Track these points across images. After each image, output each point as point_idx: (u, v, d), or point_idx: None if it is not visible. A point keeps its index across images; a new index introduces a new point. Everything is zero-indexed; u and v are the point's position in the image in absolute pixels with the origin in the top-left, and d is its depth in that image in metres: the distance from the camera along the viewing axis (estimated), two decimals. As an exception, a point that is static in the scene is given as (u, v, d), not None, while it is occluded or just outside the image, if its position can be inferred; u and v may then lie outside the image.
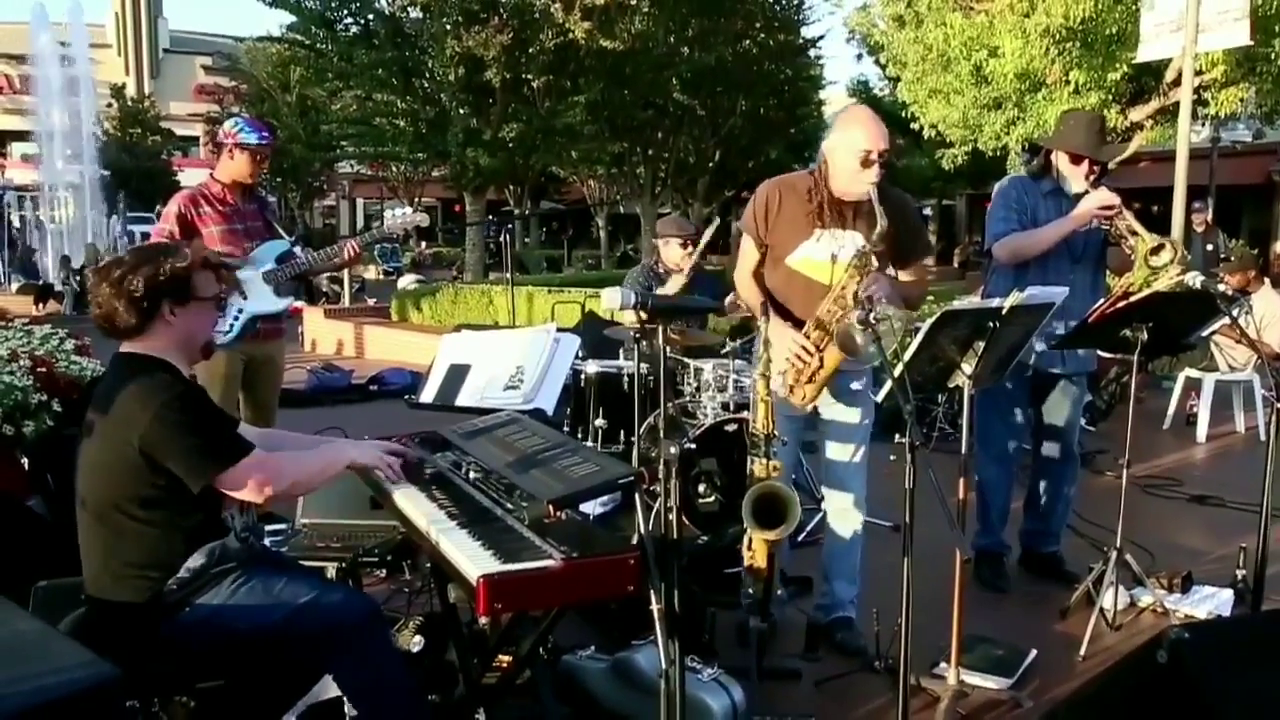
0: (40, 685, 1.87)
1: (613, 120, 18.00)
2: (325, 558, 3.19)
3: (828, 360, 3.25)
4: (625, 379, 5.13)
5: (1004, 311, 2.99)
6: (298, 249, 4.86)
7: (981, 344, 3.03)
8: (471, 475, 2.70)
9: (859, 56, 33.81)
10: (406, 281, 15.04)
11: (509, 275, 5.15)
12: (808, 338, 3.30)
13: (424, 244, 33.29)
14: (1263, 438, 7.04)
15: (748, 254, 3.56)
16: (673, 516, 2.28)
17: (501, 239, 5.01)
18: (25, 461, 4.98)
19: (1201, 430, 7.11)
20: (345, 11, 15.19)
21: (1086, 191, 3.91)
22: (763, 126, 24.52)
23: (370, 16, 15.14)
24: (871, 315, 2.91)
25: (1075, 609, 3.94)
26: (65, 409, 5.39)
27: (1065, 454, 4.26)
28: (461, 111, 15.03)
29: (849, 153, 3.22)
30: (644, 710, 2.95)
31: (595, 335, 7.17)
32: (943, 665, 3.33)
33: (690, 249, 5.51)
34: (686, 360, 5.11)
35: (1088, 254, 4.05)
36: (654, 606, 2.23)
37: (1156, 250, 3.64)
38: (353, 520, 3.47)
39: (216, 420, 2.37)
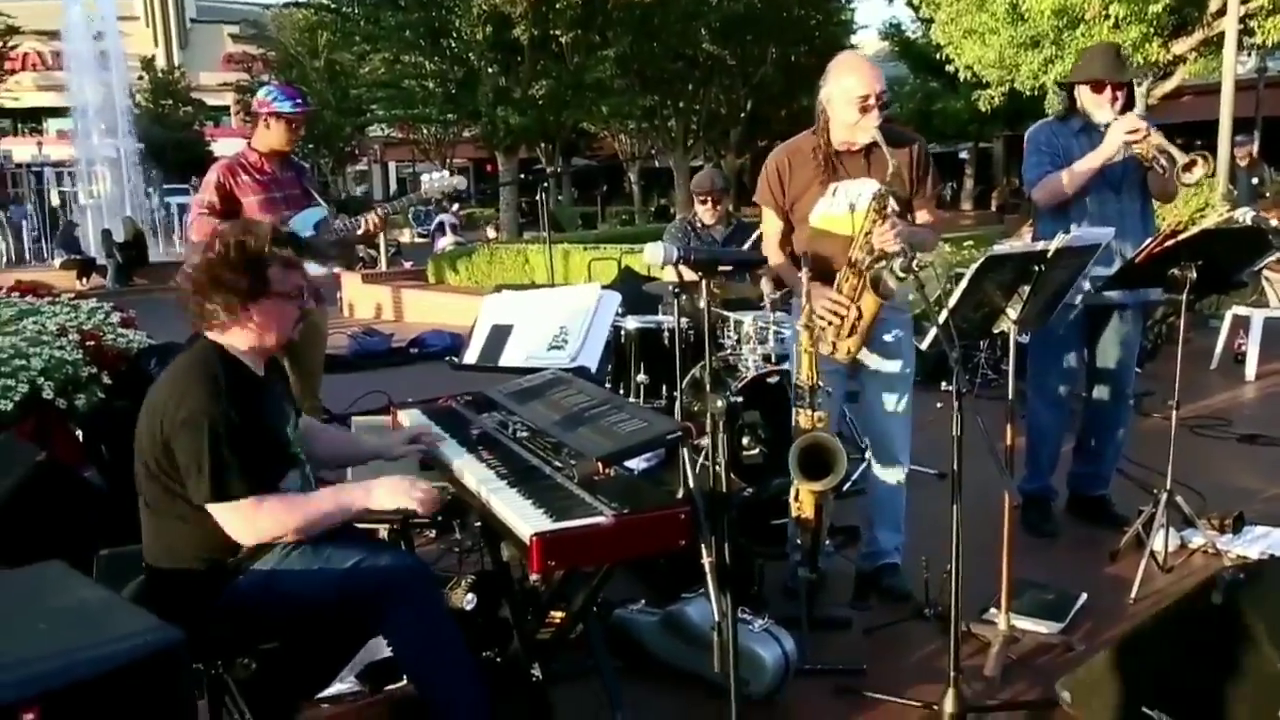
0: (110, 650, 1.91)
1: (642, 73, 17.80)
2: (377, 520, 3.23)
3: (866, 309, 3.24)
4: (666, 334, 5.14)
5: (1049, 255, 2.94)
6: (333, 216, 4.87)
7: (1027, 288, 2.98)
8: (519, 434, 2.73)
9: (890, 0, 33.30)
10: (444, 243, 15.05)
11: (545, 234, 5.12)
12: (839, 290, 3.28)
13: (456, 205, 33.31)
14: (1315, 374, 6.94)
15: (771, 225, 3.56)
16: (721, 470, 2.29)
17: (537, 197, 5.00)
18: (79, 434, 5.09)
19: (1251, 368, 6.99)
20: (368, -27, 15.12)
21: (1115, 120, 3.84)
22: (794, 74, 24.12)
23: (393, -22, 15.07)
24: (914, 262, 2.90)
25: (1125, 552, 3.91)
26: (115, 381, 5.50)
27: (1117, 397, 4.21)
28: (490, 70, 14.91)
29: (846, 101, 3.19)
30: (696, 661, 2.99)
31: (633, 291, 7.15)
32: (992, 611, 3.33)
33: (711, 204, 5.49)
34: (726, 313, 5.10)
35: (1128, 181, 3.96)
36: (705, 560, 2.23)
37: (1189, 167, 3.55)
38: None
39: (233, 449, 2.31)
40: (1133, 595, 3.55)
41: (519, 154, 16.41)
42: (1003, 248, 2.97)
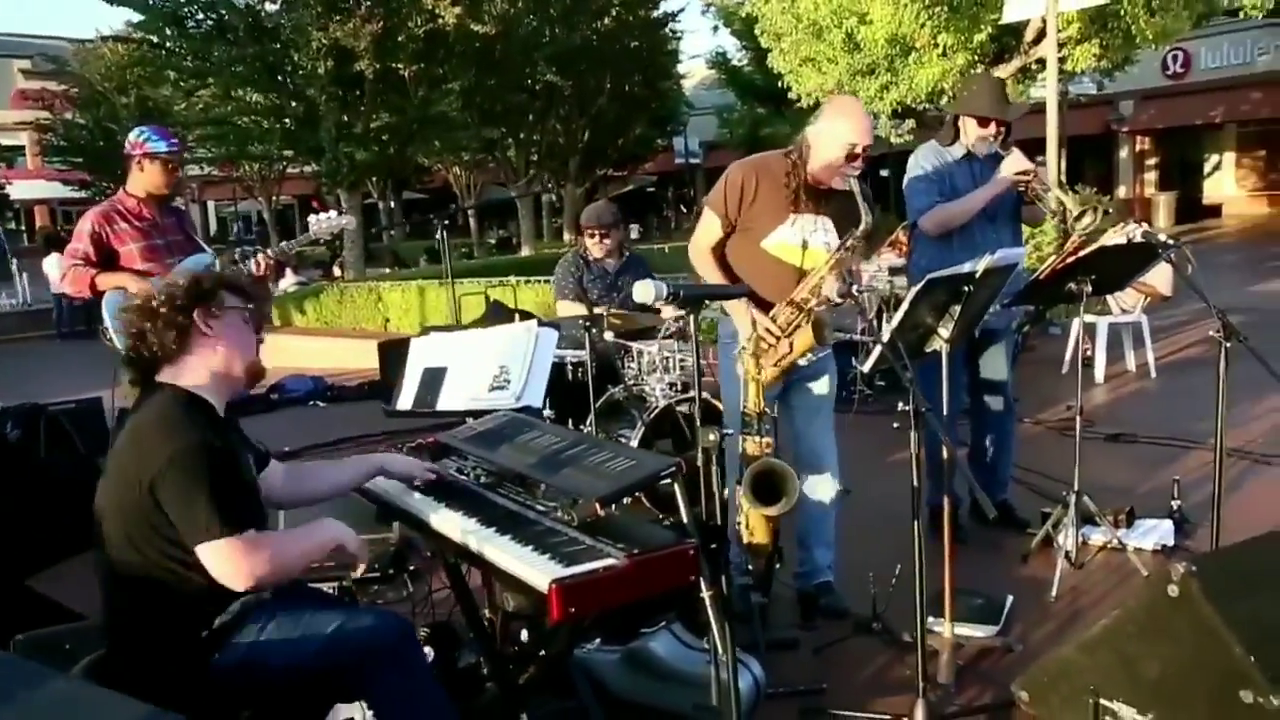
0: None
1: (484, 106, 17.73)
2: (324, 578, 3.09)
3: (798, 345, 3.31)
4: (569, 368, 5.10)
5: (977, 275, 3.09)
6: (218, 263, 4.65)
7: (957, 308, 3.12)
8: (482, 479, 2.67)
9: (715, 29, 34.25)
10: (285, 284, 14.50)
11: (445, 270, 5.03)
12: (775, 320, 3.35)
13: (285, 243, 32.19)
14: (1152, 375, 7.51)
15: (709, 230, 3.58)
16: (716, 503, 2.30)
17: (439, 235, 4.88)
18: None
19: (1099, 371, 7.50)
20: (194, 6, 14.43)
21: (996, 153, 4.08)
22: (628, 103, 24.58)
23: (223, 12, 14.43)
24: (854, 289, 3.00)
25: (1035, 553, 4.13)
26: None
27: (1005, 405, 4.45)
28: (330, 105, 14.52)
29: (835, 143, 3.29)
30: (662, 695, 2.98)
31: (500, 321, 7.12)
32: (932, 620, 3.44)
33: (600, 238, 5.51)
34: (628, 344, 5.12)
35: (1002, 213, 4.21)
36: (705, 593, 2.23)
37: (1080, 217, 3.82)
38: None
39: (226, 484, 2.20)
40: (1053, 593, 3.75)
41: (360, 190, 16.02)
42: (940, 272, 3.09)
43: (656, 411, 4.66)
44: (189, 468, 2.15)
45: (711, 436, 2.29)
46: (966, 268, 3.11)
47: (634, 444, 4.55)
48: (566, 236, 27.63)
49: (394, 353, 9.36)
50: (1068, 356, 7.88)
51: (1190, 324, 9.41)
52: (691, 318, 2.31)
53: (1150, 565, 3.92)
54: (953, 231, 4.07)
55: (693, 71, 33.86)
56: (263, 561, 2.19)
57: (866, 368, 3.11)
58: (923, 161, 4.15)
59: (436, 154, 19.99)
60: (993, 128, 4.02)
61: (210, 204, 40.35)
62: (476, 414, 3.14)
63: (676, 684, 2.98)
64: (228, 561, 2.15)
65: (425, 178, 34.33)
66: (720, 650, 2.27)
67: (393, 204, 30.66)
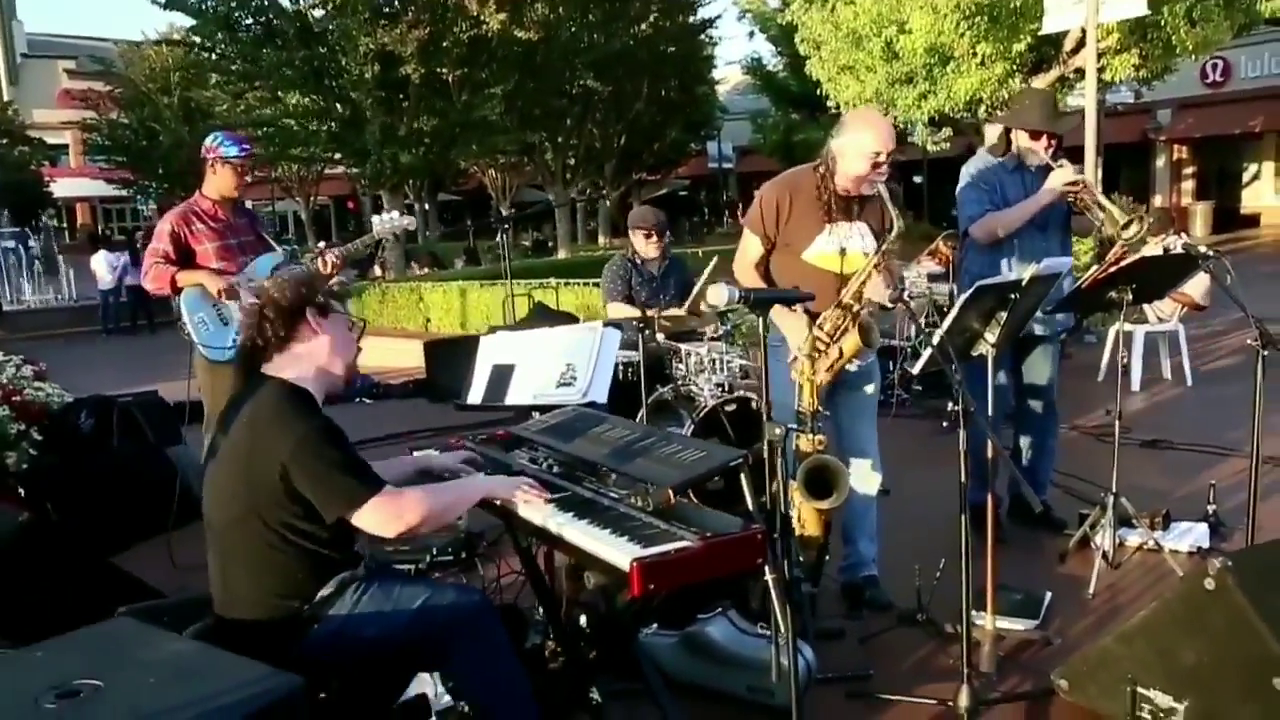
0: (239, 698, 1.94)
1: (524, 110, 17.98)
2: (399, 561, 3.28)
3: (846, 348, 3.46)
4: (620, 368, 5.27)
5: (1024, 283, 3.24)
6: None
7: (1004, 314, 3.27)
8: (554, 469, 2.84)
9: (751, 34, 34.39)
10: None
11: (505, 274, 5.23)
12: (822, 327, 3.51)
13: (322, 244, 32.61)
14: (1188, 383, 7.59)
15: (751, 249, 3.76)
16: (781, 491, 2.47)
17: (499, 239, 5.06)
18: (20, 491, 4.92)
19: (1136, 379, 7.59)
20: (245, 11, 14.78)
21: (1047, 165, 4.22)
22: (664, 108, 24.79)
23: (272, 16, 14.76)
24: (905, 295, 3.16)
25: (1072, 552, 4.26)
26: (44, 437, 5.32)
27: (1047, 409, 4.58)
28: (376, 109, 14.79)
29: (859, 154, 3.44)
30: (722, 679, 3.15)
31: (547, 324, 7.30)
32: (974, 613, 3.59)
33: (654, 238, 5.68)
34: (677, 345, 5.29)
35: (1052, 223, 4.34)
36: (769, 577, 2.40)
37: (1126, 226, 3.95)
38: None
39: (353, 454, 2.42)
40: (1090, 590, 3.88)
41: (401, 192, 16.30)
42: (988, 280, 3.24)
43: (705, 411, 4.83)
44: (316, 448, 2.35)
45: (777, 430, 2.45)
46: (1013, 275, 3.26)
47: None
48: (601, 240, 27.86)
49: (441, 351, 9.61)
50: (1104, 364, 7.99)
51: (1226, 333, 9.48)
52: (761, 320, 2.47)
53: (1185, 566, 4.04)
54: (1003, 240, 4.20)
55: (727, 77, 34.05)
56: (411, 513, 2.40)
57: (916, 369, 3.26)
58: (974, 171, 4.30)
59: (476, 157, 20.31)
60: (1044, 140, 4.16)
61: (248, 204, 40.83)
62: (543, 408, 3.33)
63: (731, 667, 3.15)
64: (379, 514, 2.37)
65: (460, 180, 34.76)
66: (781, 630, 2.43)
67: (427, 206, 30.98)
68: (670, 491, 2.38)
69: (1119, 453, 4.16)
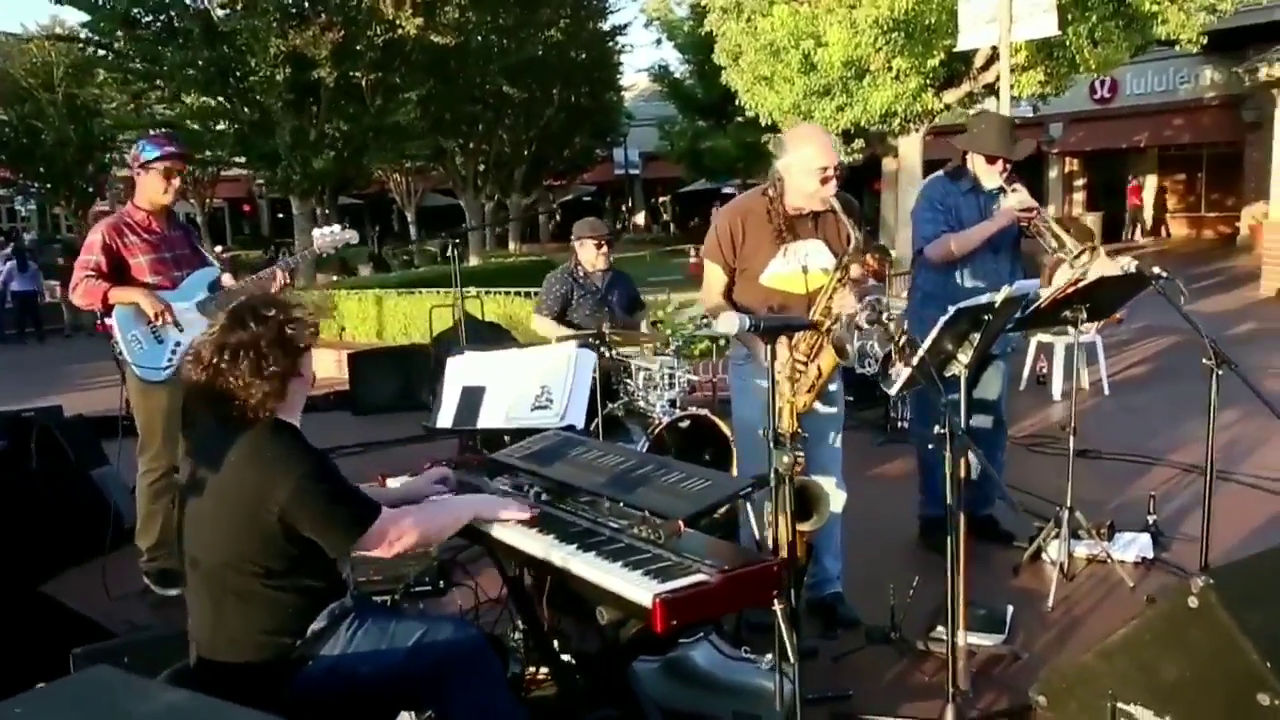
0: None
1: (438, 115, 17.71)
2: (375, 592, 3.16)
3: (824, 367, 3.48)
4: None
5: (996, 305, 3.29)
6: (227, 276, 4.67)
7: (977, 335, 3.31)
8: (543, 497, 2.77)
9: (658, 42, 34.58)
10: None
11: (456, 279, 5.11)
12: (797, 348, 3.51)
13: (219, 248, 31.65)
14: (1105, 392, 7.84)
15: (716, 279, 3.75)
16: (790, 521, 2.44)
17: (448, 254, 4.94)
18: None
19: (1056, 389, 7.82)
20: (144, 8, 14.17)
21: (1000, 188, 4.31)
22: (574, 115, 24.74)
23: (174, 14, 14.20)
24: (883, 315, 3.17)
25: (1025, 565, 4.35)
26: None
27: (997, 424, 4.68)
28: (286, 112, 14.36)
29: (806, 171, 3.45)
30: (702, 702, 3.12)
31: (476, 336, 7.20)
32: (941, 629, 3.63)
33: (604, 248, 5.65)
34: (628, 359, 5.25)
35: (1004, 245, 4.44)
36: (778, 606, 2.37)
37: (1079, 255, 4.06)
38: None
39: (345, 485, 2.36)
40: (1050, 603, 3.96)
41: (312, 197, 15.88)
42: (965, 302, 3.28)
43: (660, 427, 4.79)
44: (314, 486, 2.27)
45: (784, 459, 2.43)
46: (986, 299, 3.30)
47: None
48: (512, 245, 27.65)
49: (364, 363, 9.39)
50: (1025, 374, 8.22)
51: (1133, 343, 9.85)
52: (769, 346, 2.44)
53: (1133, 576, 4.16)
54: (956, 259, 4.27)
55: (634, 83, 34.20)
56: (408, 529, 2.41)
57: (894, 390, 3.28)
58: (931, 192, 4.36)
59: (389, 162, 19.95)
60: (1000, 165, 4.25)
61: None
62: (515, 433, 3.25)
63: (717, 692, 3.12)
64: (377, 541, 2.37)
65: (362, 184, 34.08)
66: (789, 657, 2.41)
67: (328, 210, 30.30)
68: (681, 523, 2.34)
69: (1053, 464, 4.26)
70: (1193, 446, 6.09)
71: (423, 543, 2.46)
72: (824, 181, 3.43)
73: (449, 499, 2.70)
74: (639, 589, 2.14)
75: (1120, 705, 2.90)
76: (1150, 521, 4.63)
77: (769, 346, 2.46)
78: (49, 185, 31.01)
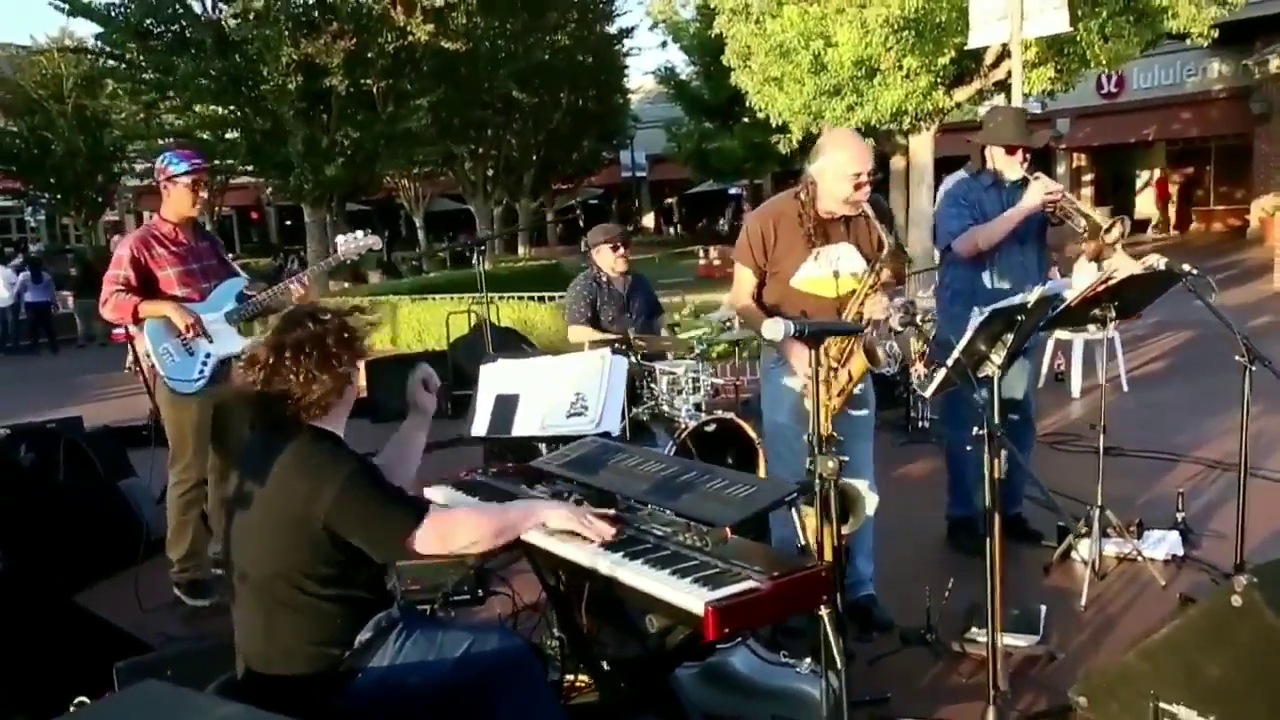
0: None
1: (448, 122, 17.77)
2: (414, 602, 3.17)
3: (855, 371, 3.48)
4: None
5: (1029, 305, 3.29)
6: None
7: (1010, 336, 3.31)
8: (583, 505, 2.77)
9: (664, 44, 34.60)
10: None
11: (482, 284, 5.12)
12: (828, 353, 3.51)
13: (316, 265, 31.66)
14: (1125, 388, 7.83)
15: (746, 281, 3.77)
16: (834, 524, 2.45)
17: (474, 260, 4.98)
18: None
19: (1075, 386, 7.82)
20: (157, 19, 14.22)
21: (1023, 179, 4.31)
22: (581, 118, 24.79)
23: (186, 25, 14.25)
24: (918, 318, 3.18)
25: (1056, 564, 4.35)
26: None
27: (1024, 422, 4.68)
28: (298, 121, 14.40)
29: (839, 176, 3.47)
30: (741, 707, 3.12)
31: (494, 341, 7.21)
32: (975, 630, 3.63)
33: (621, 250, 5.65)
34: (651, 365, 5.26)
35: (1030, 235, 4.44)
36: (824, 612, 2.38)
37: (1109, 229, 4.05)
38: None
39: (390, 487, 2.36)
40: (1083, 602, 3.96)
41: (324, 205, 15.92)
42: (1000, 304, 3.28)
43: (686, 432, 4.80)
44: (358, 493, 2.28)
45: (830, 464, 2.43)
46: (1019, 299, 3.30)
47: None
48: (520, 250, 27.69)
49: (383, 371, 9.38)
50: (1044, 371, 8.20)
51: (1150, 338, 9.84)
52: (813, 352, 2.45)
53: (1164, 574, 4.16)
54: (983, 254, 4.27)
55: (640, 86, 34.20)
56: (464, 532, 2.39)
57: (929, 393, 3.28)
58: (955, 190, 4.37)
59: (401, 168, 20.01)
60: (1019, 155, 4.25)
61: (147, 214, 39.43)
62: (551, 440, 3.26)
63: (755, 697, 3.13)
64: (430, 535, 2.32)
65: (371, 190, 34.15)
66: (836, 663, 2.41)
67: (337, 218, 30.39)
68: (728, 530, 2.35)
69: (1076, 462, 4.25)
70: (1216, 442, 6.10)
71: (481, 544, 2.42)
72: (857, 187, 3.44)
73: (516, 501, 2.63)
74: (690, 597, 2.14)
75: (1163, 705, 2.90)
76: (1179, 519, 4.62)
77: (812, 352, 2.47)
78: (59, 196, 31.12)
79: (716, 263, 22.92)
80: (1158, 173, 26.80)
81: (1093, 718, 3.08)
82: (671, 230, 38.51)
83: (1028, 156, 4.30)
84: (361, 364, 2.49)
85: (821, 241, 3.62)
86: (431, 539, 2.33)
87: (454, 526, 2.38)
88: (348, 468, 2.30)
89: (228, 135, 15.56)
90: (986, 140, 4.36)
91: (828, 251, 3.60)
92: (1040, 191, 4.14)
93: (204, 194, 4.66)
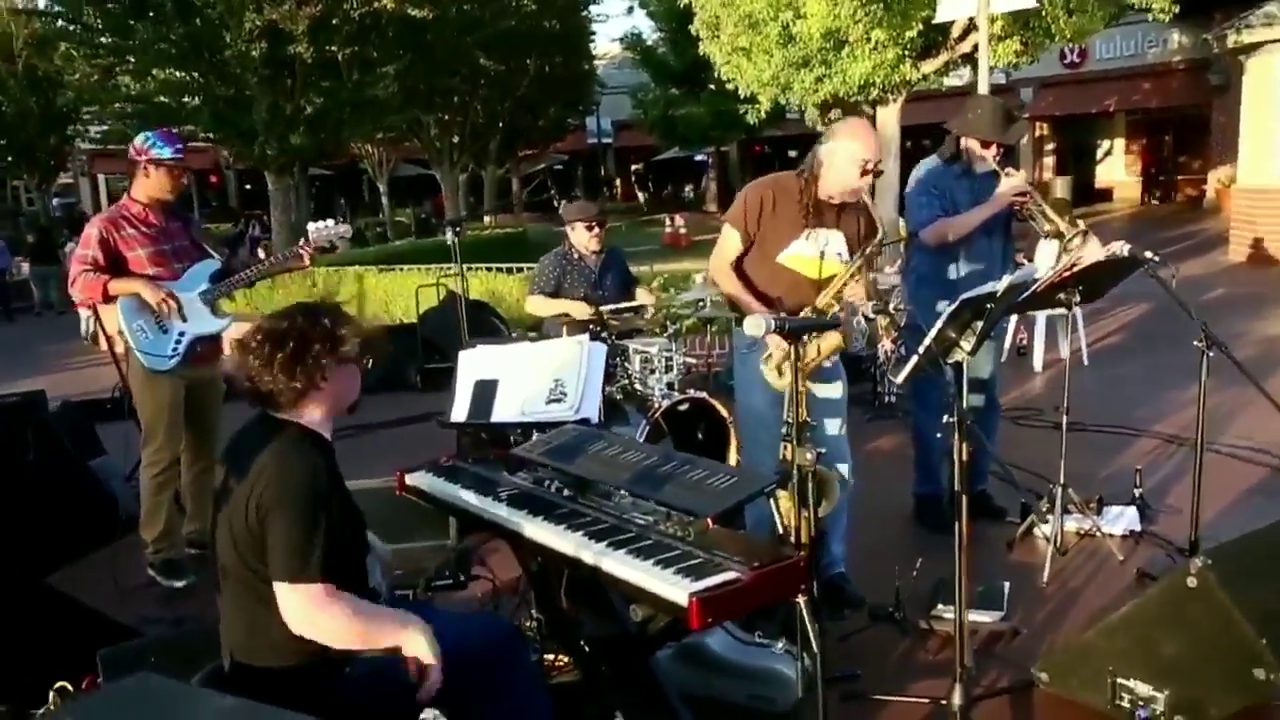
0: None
1: (414, 89, 17.58)
2: (395, 588, 3.22)
3: (824, 348, 3.56)
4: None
5: (998, 294, 3.36)
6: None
7: (979, 324, 3.39)
8: (564, 492, 2.83)
9: (630, 9, 34.33)
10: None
11: (457, 256, 5.14)
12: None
13: (290, 250, 31.16)
14: (1085, 363, 7.98)
15: (730, 246, 3.81)
16: (812, 516, 2.52)
17: (450, 241, 4.96)
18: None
19: (1038, 360, 7.96)
20: (115, -19, 13.96)
21: (994, 171, 4.38)
22: (548, 85, 24.62)
23: (146, -13, 14.00)
24: (891, 306, 3.26)
25: (1019, 541, 4.48)
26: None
27: (989, 402, 4.78)
28: (262, 88, 14.18)
29: (850, 161, 3.54)
30: (720, 688, 3.21)
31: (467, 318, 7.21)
32: (941, 607, 3.74)
33: (596, 230, 5.65)
34: (626, 344, 5.30)
35: (997, 227, 4.53)
36: (801, 598, 2.46)
37: (1073, 238, 4.15)
38: (396, 544, 3.48)
39: (323, 534, 2.27)
40: (1045, 578, 4.08)
41: (288, 173, 15.72)
42: (970, 292, 3.35)
43: (659, 411, 4.86)
44: (297, 511, 2.26)
45: (808, 455, 2.50)
46: (989, 288, 3.38)
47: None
48: (486, 219, 27.52)
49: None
50: (1006, 346, 8.33)
51: (1108, 311, 10.00)
52: (793, 348, 2.51)
53: (1122, 550, 4.30)
54: (951, 243, 4.36)
55: (607, 51, 33.96)
56: (329, 622, 2.27)
57: (900, 378, 3.36)
58: (926, 177, 4.43)
59: (368, 135, 19.77)
60: (994, 149, 4.32)
61: (101, 178, 38.75)
62: (534, 426, 3.31)
63: (731, 676, 3.22)
64: (293, 605, 2.25)
65: (337, 155, 33.70)
66: (812, 646, 2.50)
67: (299, 183, 29.98)
68: (710, 521, 2.42)
69: (1036, 437, 4.35)
70: (1173, 416, 6.26)
71: (340, 643, 2.31)
72: (864, 174, 3.54)
73: (399, 614, 2.42)
74: (674, 588, 2.21)
75: (1120, 680, 3.03)
76: (1137, 495, 4.76)
77: (793, 346, 2.53)
78: (10, 158, 30.41)
79: (683, 231, 22.94)
80: (1132, 144, 27.09)
81: (1054, 692, 3.21)
82: (642, 197, 38.34)
83: (1000, 150, 4.36)
84: (348, 373, 2.48)
85: (814, 223, 3.69)
86: (297, 610, 2.26)
87: (327, 613, 2.27)
88: (306, 483, 2.29)
89: (188, 101, 15.28)
90: (963, 131, 4.43)
91: (819, 234, 3.67)
92: (1010, 191, 4.23)
93: (185, 180, 4.63)
